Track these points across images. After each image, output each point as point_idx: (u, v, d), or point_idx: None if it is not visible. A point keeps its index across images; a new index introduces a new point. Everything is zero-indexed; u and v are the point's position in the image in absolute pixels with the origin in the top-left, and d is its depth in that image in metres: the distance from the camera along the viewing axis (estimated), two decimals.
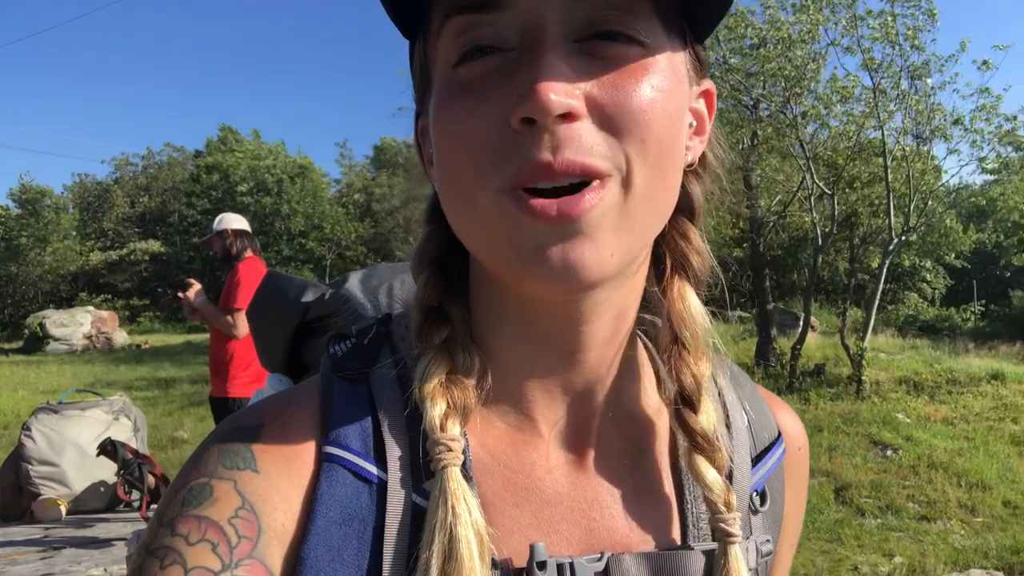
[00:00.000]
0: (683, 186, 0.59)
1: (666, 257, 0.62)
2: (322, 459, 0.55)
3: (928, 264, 22.63)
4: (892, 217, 11.48)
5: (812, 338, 12.90)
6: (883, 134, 11.38)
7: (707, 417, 0.60)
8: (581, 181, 0.48)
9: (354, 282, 0.85)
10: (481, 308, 0.60)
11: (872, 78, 10.96)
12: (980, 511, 6.36)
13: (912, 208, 11.46)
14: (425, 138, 0.60)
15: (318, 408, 0.58)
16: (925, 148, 12.11)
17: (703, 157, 0.62)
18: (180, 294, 4.68)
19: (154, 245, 34.41)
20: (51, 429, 4.82)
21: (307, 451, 0.55)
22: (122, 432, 4.98)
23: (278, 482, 0.53)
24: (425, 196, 0.65)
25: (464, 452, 0.54)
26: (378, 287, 0.84)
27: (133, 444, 4.69)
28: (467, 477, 0.53)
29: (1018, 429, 8.99)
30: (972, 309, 26.47)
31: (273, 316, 0.88)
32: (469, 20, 0.49)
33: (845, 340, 11.49)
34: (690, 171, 0.61)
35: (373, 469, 0.54)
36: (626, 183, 0.49)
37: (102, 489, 4.76)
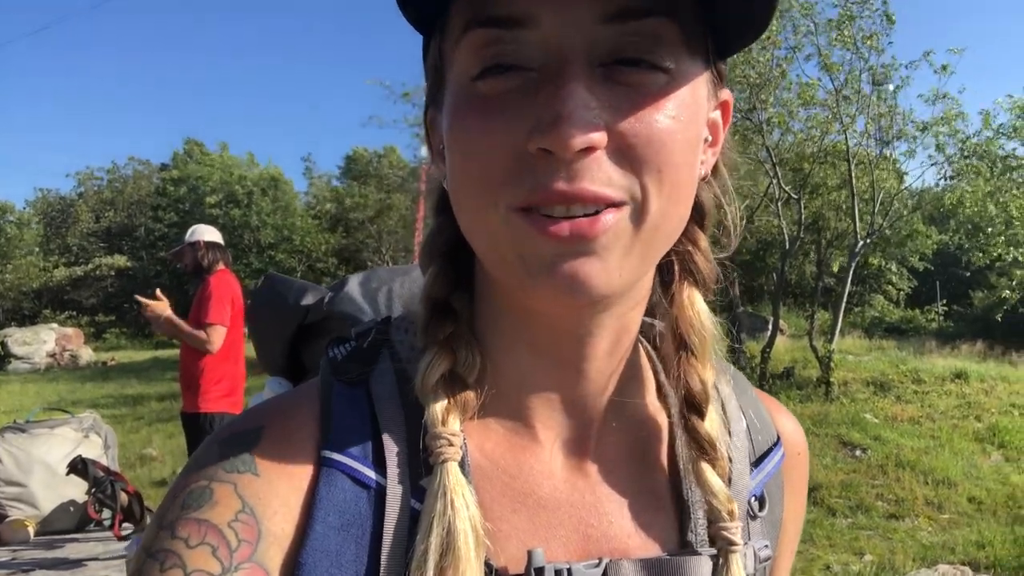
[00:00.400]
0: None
1: (674, 263, 0.62)
2: (321, 464, 0.54)
3: (893, 267, 23.06)
4: (857, 221, 11.70)
5: (781, 341, 13.07)
6: (847, 138, 11.62)
7: (712, 424, 0.60)
8: (595, 209, 0.48)
9: (353, 285, 0.85)
10: (485, 310, 0.60)
11: (833, 81, 11.19)
12: (946, 508, 6.50)
13: (876, 211, 11.69)
14: (434, 129, 0.60)
15: (318, 412, 0.58)
16: (887, 152, 12.38)
17: (715, 165, 0.62)
18: (143, 302, 4.59)
19: (120, 260, 33.83)
20: (18, 448, 4.72)
21: (306, 455, 0.55)
22: (92, 450, 4.89)
23: (278, 486, 0.53)
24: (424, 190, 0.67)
25: (463, 450, 0.54)
26: (377, 289, 0.84)
27: (104, 462, 4.61)
28: (465, 476, 0.53)
29: (981, 426, 9.18)
30: (936, 310, 27.01)
31: (272, 319, 0.88)
32: (492, 35, 0.48)
33: (813, 342, 11.66)
34: (702, 180, 0.61)
35: (372, 474, 0.54)
36: (640, 212, 0.49)
37: (71, 509, 4.67)
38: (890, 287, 27.52)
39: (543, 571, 0.53)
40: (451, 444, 0.53)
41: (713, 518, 0.58)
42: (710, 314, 0.62)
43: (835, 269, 14.87)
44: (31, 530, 4.55)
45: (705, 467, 0.59)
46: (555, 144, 0.46)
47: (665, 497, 0.61)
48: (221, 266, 4.76)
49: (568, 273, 0.48)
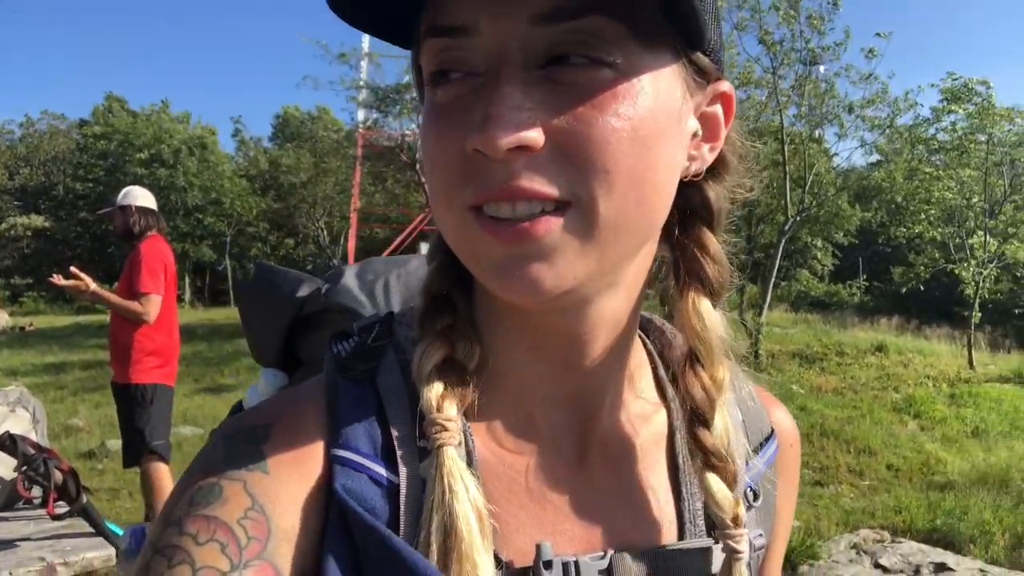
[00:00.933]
0: (700, 191, 0.60)
1: (680, 268, 0.61)
2: (332, 461, 0.54)
3: (819, 242, 23.86)
4: (788, 198, 12.05)
5: None
6: (781, 118, 11.91)
7: (718, 431, 0.59)
8: (542, 209, 0.48)
9: (350, 277, 0.84)
10: (483, 308, 0.60)
11: (772, 60, 11.43)
12: (867, 475, 6.86)
13: (807, 190, 12.07)
14: None
15: (324, 409, 0.57)
16: (818, 132, 12.76)
17: (722, 158, 0.60)
18: (60, 284, 4.38)
19: (37, 220, 32.20)
20: None
21: (316, 453, 0.55)
22: (20, 425, 4.68)
23: (288, 484, 0.53)
24: None
25: (466, 437, 0.55)
26: (374, 282, 0.83)
27: (33, 437, 4.42)
28: (471, 468, 0.54)
29: (899, 397, 9.70)
30: (857, 285, 28.18)
31: (267, 311, 0.86)
32: (441, 43, 0.50)
33: (743, 316, 12.04)
34: (709, 177, 0.60)
35: (383, 470, 0.54)
36: (589, 212, 0.48)
37: None
38: (815, 262, 28.53)
39: (551, 564, 0.54)
40: (446, 429, 0.53)
41: (717, 523, 0.59)
42: (718, 319, 0.61)
43: (765, 243, 15.32)
44: None
45: (711, 476, 0.58)
46: (484, 144, 0.46)
47: (665, 488, 0.62)
48: (153, 232, 4.56)
49: (516, 275, 0.49)
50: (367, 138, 20.06)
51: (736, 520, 0.58)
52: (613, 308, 0.57)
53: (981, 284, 12.16)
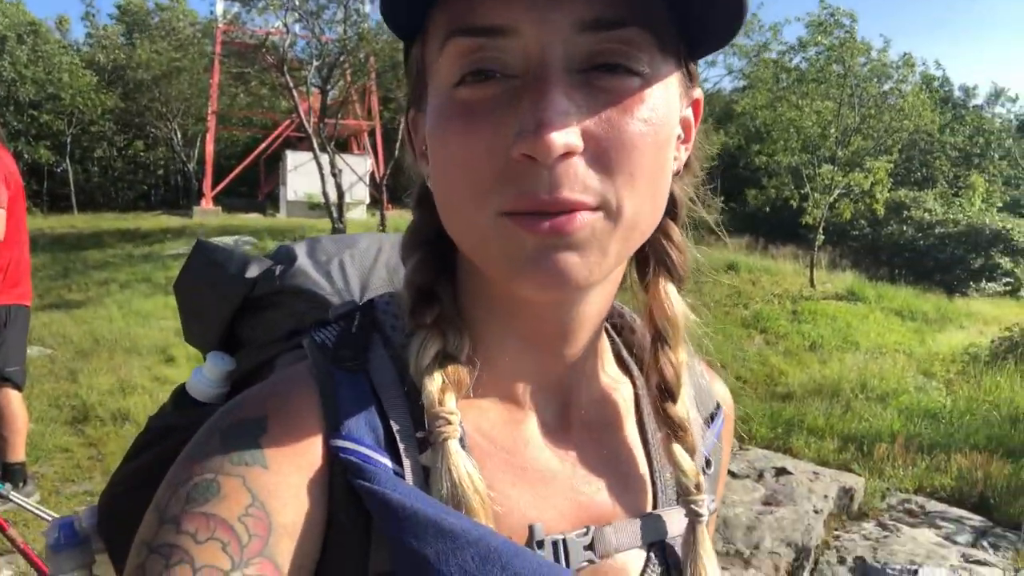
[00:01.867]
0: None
1: (650, 256, 0.65)
2: (332, 453, 0.54)
3: None
4: None
5: None
6: None
7: (684, 406, 0.65)
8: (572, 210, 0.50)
9: (303, 258, 0.82)
10: (469, 296, 0.62)
11: None
12: None
13: None
14: (416, 131, 0.61)
15: (318, 400, 0.57)
16: None
17: (688, 160, 0.64)
18: None
19: None
20: None
21: (315, 445, 0.55)
22: None
23: (288, 478, 0.53)
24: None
25: (461, 429, 0.56)
26: (328, 262, 0.82)
27: None
28: (466, 452, 0.56)
29: (747, 314, 10.47)
30: (715, 206, 29.60)
31: (212, 294, 0.82)
32: (474, 43, 0.50)
33: None
34: (675, 175, 0.63)
35: (387, 462, 0.55)
36: (616, 214, 0.51)
37: None
38: None
39: (543, 543, 0.57)
40: (449, 423, 0.55)
41: (681, 490, 0.64)
42: (683, 303, 0.66)
43: None
44: None
45: (677, 448, 0.64)
46: (537, 150, 0.47)
47: (638, 460, 0.67)
48: None
49: (550, 265, 0.51)
50: (227, 34, 18.60)
51: (698, 487, 0.63)
52: (601, 300, 0.61)
53: (823, 209, 13.08)
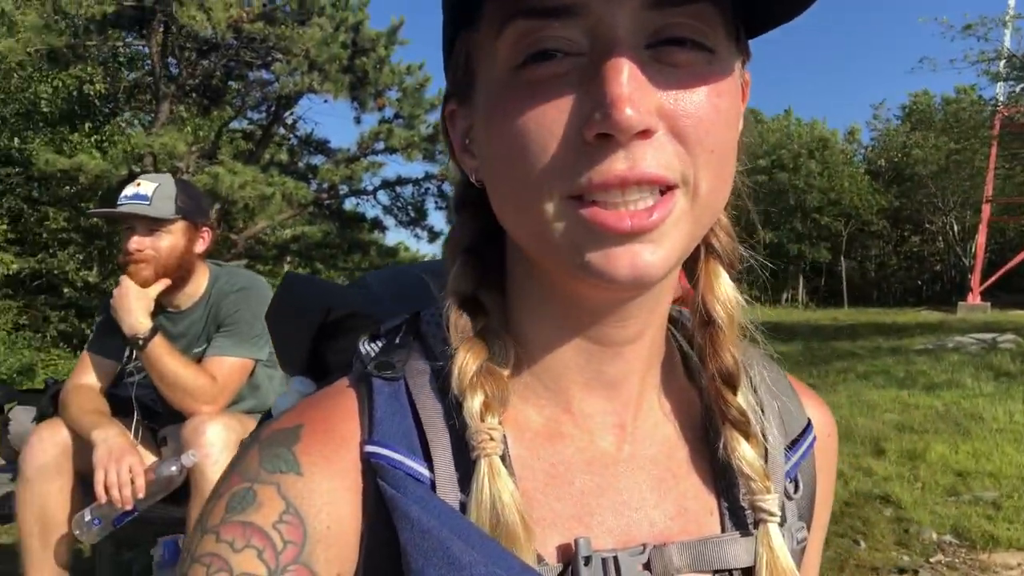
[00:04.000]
0: None
1: (700, 243, 0.60)
2: (367, 459, 0.54)
3: None
4: None
5: None
6: None
7: (744, 397, 0.60)
8: (650, 194, 0.48)
9: (375, 281, 0.86)
10: (520, 299, 0.60)
11: None
12: None
13: None
14: (454, 125, 0.60)
15: (356, 408, 0.57)
16: None
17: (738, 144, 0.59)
18: None
19: None
20: None
21: (349, 451, 0.55)
22: None
23: (322, 484, 0.53)
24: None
25: (504, 444, 0.54)
26: (403, 284, 0.84)
27: None
28: (507, 469, 0.53)
29: None
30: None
31: (296, 320, 0.88)
32: (538, 24, 0.48)
33: None
34: None
35: (423, 469, 0.54)
36: (694, 193, 0.49)
37: None
38: None
39: (590, 560, 0.53)
40: (492, 439, 0.53)
41: (750, 491, 0.58)
42: (736, 290, 0.61)
43: None
44: None
45: (738, 438, 0.59)
46: (615, 127, 0.45)
47: (703, 479, 0.61)
48: None
49: (628, 263, 0.48)
50: (1008, 116, 17.15)
51: (767, 487, 0.58)
52: (667, 294, 0.59)
53: None
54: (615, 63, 0.46)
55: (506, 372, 0.56)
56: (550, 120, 0.47)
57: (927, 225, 25.99)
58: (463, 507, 0.53)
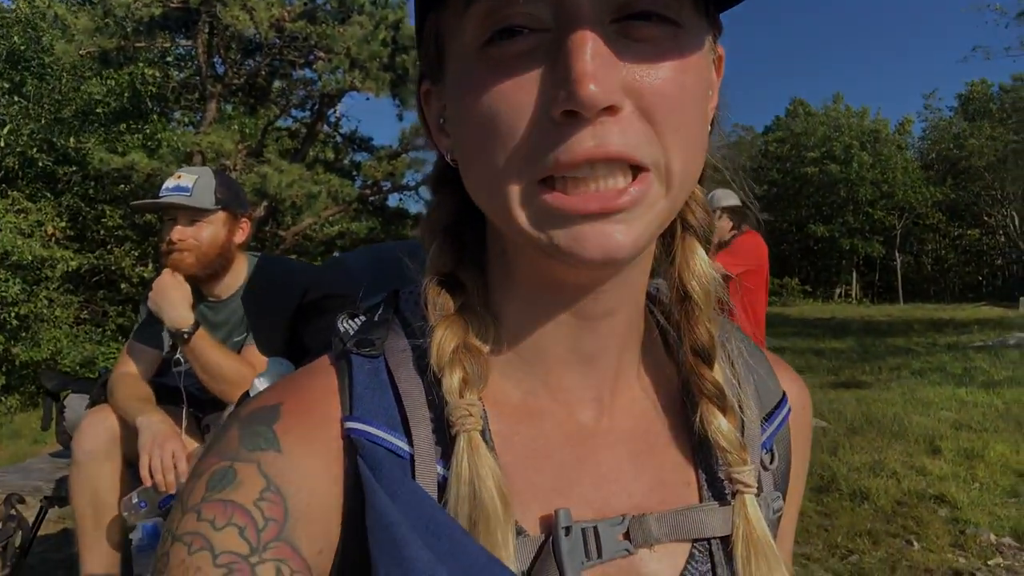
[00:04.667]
0: None
1: (675, 218, 0.60)
2: (347, 435, 0.54)
3: None
4: None
5: None
6: None
7: (721, 371, 0.61)
8: (620, 171, 0.48)
9: (353, 261, 0.85)
10: (498, 277, 0.60)
11: None
12: None
13: None
14: (429, 104, 0.59)
15: (336, 385, 0.57)
16: None
17: (712, 118, 0.58)
18: None
19: None
20: None
21: (329, 428, 0.54)
22: None
23: (302, 462, 0.52)
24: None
25: (483, 419, 0.54)
26: (381, 263, 0.83)
27: None
28: (486, 443, 0.54)
29: None
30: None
31: (271, 301, 0.88)
32: (502, 0, 0.47)
33: None
34: None
35: (403, 445, 0.54)
36: (667, 176, 0.49)
37: None
38: None
39: (570, 530, 0.54)
40: (470, 415, 0.53)
41: (726, 462, 0.59)
42: (711, 265, 0.61)
43: None
44: None
45: (714, 411, 0.59)
46: (579, 104, 0.44)
47: (681, 450, 0.62)
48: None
49: (597, 243, 0.48)
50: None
51: (743, 458, 0.59)
52: (643, 271, 0.59)
53: None
54: (579, 38, 0.45)
55: (485, 349, 0.57)
56: (517, 100, 0.47)
57: (986, 218, 25.12)
58: (443, 483, 0.53)
